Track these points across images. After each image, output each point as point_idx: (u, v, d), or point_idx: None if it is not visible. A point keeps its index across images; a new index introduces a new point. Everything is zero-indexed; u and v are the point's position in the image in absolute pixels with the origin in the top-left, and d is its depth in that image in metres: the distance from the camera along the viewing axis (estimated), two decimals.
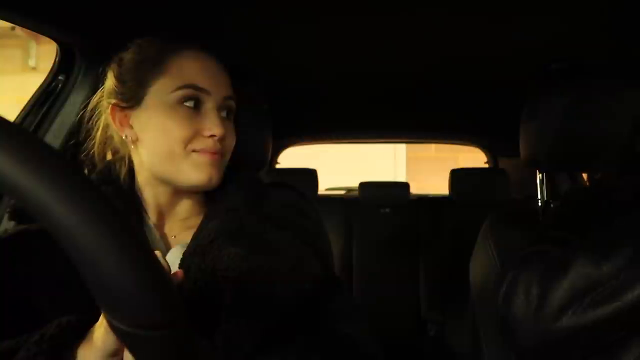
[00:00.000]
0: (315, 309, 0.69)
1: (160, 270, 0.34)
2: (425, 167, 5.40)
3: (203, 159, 0.70)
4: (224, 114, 0.74)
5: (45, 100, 1.04)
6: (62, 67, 1.04)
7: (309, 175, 2.19)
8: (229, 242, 0.67)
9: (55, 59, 1.04)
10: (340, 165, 4.74)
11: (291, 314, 0.65)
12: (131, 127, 0.72)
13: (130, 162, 0.75)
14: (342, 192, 2.93)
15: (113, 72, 0.73)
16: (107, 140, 0.77)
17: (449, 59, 1.28)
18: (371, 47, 1.18)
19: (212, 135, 0.70)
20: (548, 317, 0.62)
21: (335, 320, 0.70)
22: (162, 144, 0.69)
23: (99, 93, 0.78)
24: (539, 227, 0.80)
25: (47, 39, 0.97)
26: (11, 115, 1.02)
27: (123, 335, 0.34)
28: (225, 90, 0.74)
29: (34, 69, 4.66)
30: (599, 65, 0.98)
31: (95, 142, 0.78)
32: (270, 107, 0.99)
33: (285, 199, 0.81)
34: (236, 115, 0.79)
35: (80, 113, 0.84)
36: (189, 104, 0.69)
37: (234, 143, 0.76)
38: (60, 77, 1.05)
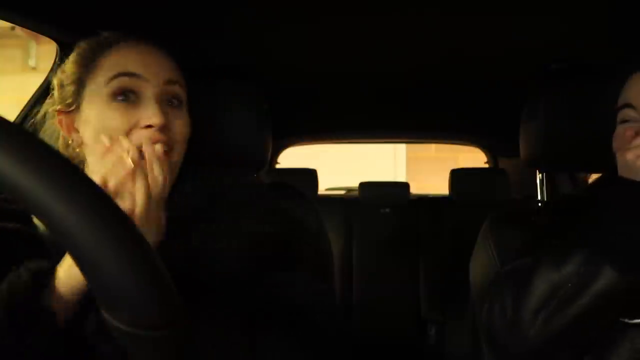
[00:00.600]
0: (262, 283, 0.68)
1: (160, 270, 0.34)
2: (425, 167, 5.39)
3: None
4: (167, 101, 0.69)
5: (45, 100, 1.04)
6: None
7: (309, 175, 2.19)
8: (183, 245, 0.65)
9: (55, 59, 1.04)
10: (340, 165, 4.74)
11: (236, 289, 0.63)
12: (77, 131, 0.70)
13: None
14: (342, 192, 2.93)
15: (56, 79, 0.72)
16: (60, 148, 0.74)
17: (449, 59, 1.28)
18: (372, 47, 1.18)
19: (149, 126, 0.64)
20: (523, 325, 0.64)
21: (287, 297, 0.68)
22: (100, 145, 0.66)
23: (47, 101, 0.76)
24: (533, 234, 0.81)
25: (47, 39, 0.97)
26: (11, 115, 1.02)
27: (123, 335, 0.34)
28: (165, 74, 0.68)
29: (34, 69, 4.66)
30: (599, 65, 0.98)
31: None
32: (270, 107, 0.99)
33: (246, 198, 0.78)
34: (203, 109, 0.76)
35: (31, 122, 0.82)
36: (124, 96, 0.66)
37: (186, 134, 0.71)
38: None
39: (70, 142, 0.71)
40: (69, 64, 0.71)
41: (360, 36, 1.10)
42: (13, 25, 1.18)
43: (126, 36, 0.70)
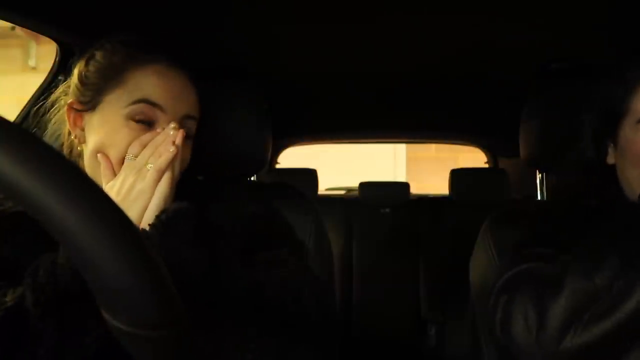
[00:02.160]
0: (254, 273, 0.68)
1: (160, 269, 0.34)
2: (425, 167, 5.39)
3: None
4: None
5: (45, 100, 1.04)
6: (62, 67, 1.04)
7: (309, 175, 2.19)
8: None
9: (55, 59, 1.04)
10: (340, 165, 4.74)
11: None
12: (82, 129, 0.72)
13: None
14: (342, 192, 2.93)
15: (79, 69, 0.73)
16: (58, 137, 0.76)
17: (449, 59, 1.28)
18: (371, 48, 1.18)
19: None
20: (551, 340, 0.60)
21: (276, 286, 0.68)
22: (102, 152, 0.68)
23: (61, 87, 0.78)
24: (520, 244, 0.79)
25: (47, 39, 0.97)
26: (11, 115, 1.02)
27: (122, 335, 0.34)
28: (184, 108, 0.71)
29: (34, 69, 4.65)
30: (600, 65, 0.98)
31: (47, 136, 0.77)
32: (270, 107, 0.99)
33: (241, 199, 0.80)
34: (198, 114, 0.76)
35: (39, 104, 0.83)
36: (142, 118, 0.68)
37: (187, 163, 0.74)
38: (60, 77, 1.05)
39: (73, 137, 0.73)
40: (95, 64, 0.71)
41: (360, 37, 1.10)
42: (13, 25, 1.18)
43: (157, 56, 0.71)
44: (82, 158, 0.74)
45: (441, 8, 0.94)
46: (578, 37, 1.08)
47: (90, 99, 0.70)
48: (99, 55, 0.72)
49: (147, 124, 0.69)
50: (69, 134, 0.75)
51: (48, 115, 0.78)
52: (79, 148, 0.73)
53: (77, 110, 0.72)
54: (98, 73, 0.70)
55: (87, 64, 0.72)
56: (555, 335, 0.60)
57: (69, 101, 0.72)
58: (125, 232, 0.32)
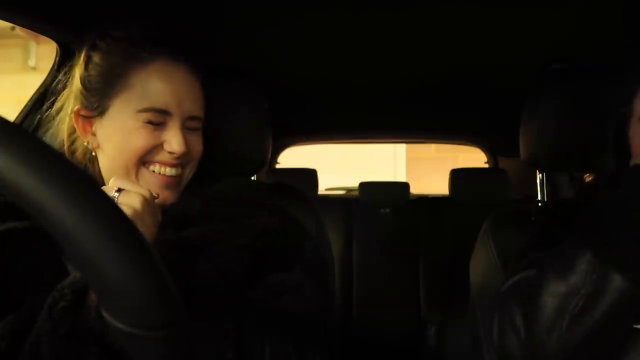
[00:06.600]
0: (258, 283, 0.69)
1: (161, 270, 0.34)
2: (425, 167, 5.39)
3: (155, 180, 0.69)
4: (188, 128, 0.73)
5: (45, 100, 1.04)
6: (62, 67, 1.04)
7: (309, 175, 2.20)
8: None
9: (55, 59, 1.04)
10: (340, 165, 4.74)
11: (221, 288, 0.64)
12: (94, 134, 0.71)
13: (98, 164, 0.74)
14: (342, 192, 2.93)
15: (79, 73, 0.72)
16: (74, 141, 0.75)
17: (449, 59, 1.28)
18: (371, 48, 1.18)
19: (171, 151, 0.70)
20: (538, 343, 0.61)
21: (278, 294, 0.69)
22: (121, 157, 0.69)
23: (66, 92, 0.76)
24: (532, 235, 0.79)
25: (47, 39, 0.97)
26: (11, 115, 1.02)
27: (123, 335, 0.34)
28: (190, 108, 0.72)
29: (34, 69, 4.65)
30: (599, 65, 0.98)
31: (64, 142, 0.76)
32: (270, 107, 0.99)
33: (245, 198, 0.81)
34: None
35: (45, 111, 0.82)
36: (151, 122, 0.69)
37: (200, 152, 0.75)
38: (60, 78, 1.05)
39: (86, 143, 0.72)
40: (96, 68, 0.70)
41: (361, 37, 1.10)
42: (13, 25, 1.18)
43: (158, 49, 0.71)
44: (94, 163, 0.74)
45: (440, 9, 0.94)
46: (579, 37, 1.08)
47: (97, 105, 0.70)
48: (96, 57, 0.71)
49: (157, 124, 0.69)
50: (69, 136, 0.75)
51: (54, 122, 0.77)
52: (93, 153, 0.73)
53: (85, 117, 0.71)
54: (101, 77, 0.70)
55: (87, 68, 0.71)
56: (542, 338, 0.61)
57: (75, 108, 0.71)
58: (126, 233, 0.32)
